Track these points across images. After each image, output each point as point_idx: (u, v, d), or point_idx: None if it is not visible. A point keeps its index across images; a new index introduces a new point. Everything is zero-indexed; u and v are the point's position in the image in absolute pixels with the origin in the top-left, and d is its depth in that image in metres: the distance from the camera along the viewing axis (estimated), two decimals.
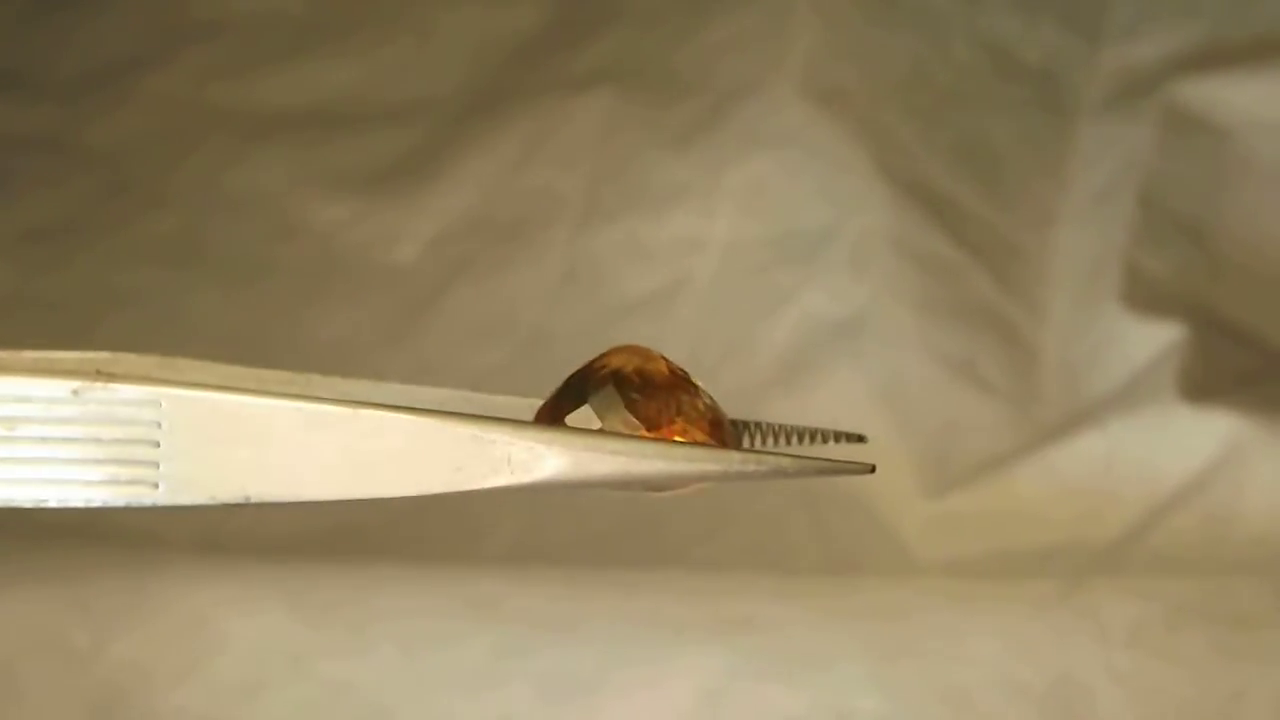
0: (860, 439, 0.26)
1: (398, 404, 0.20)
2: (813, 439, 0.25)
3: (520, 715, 0.49)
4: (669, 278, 0.59)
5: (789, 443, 0.25)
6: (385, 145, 0.63)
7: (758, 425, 0.25)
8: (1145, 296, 0.57)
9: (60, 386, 0.18)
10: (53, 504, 0.19)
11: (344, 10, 0.67)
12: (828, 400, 0.56)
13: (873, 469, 0.21)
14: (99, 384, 0.18)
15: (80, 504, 0.19)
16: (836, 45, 0.62)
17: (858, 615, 0.50)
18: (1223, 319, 0.56)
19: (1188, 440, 0.53)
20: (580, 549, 0.51)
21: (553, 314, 0.59)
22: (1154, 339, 0.55)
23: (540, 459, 0.19)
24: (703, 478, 0.21)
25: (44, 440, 0.19)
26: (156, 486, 0.19)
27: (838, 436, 0.25)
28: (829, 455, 0.22)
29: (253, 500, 0.19)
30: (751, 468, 0.20)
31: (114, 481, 0.19)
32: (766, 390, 0.56)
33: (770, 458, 0.21)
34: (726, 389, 0.53)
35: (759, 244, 0.59)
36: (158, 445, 0.19)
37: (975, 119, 0.62)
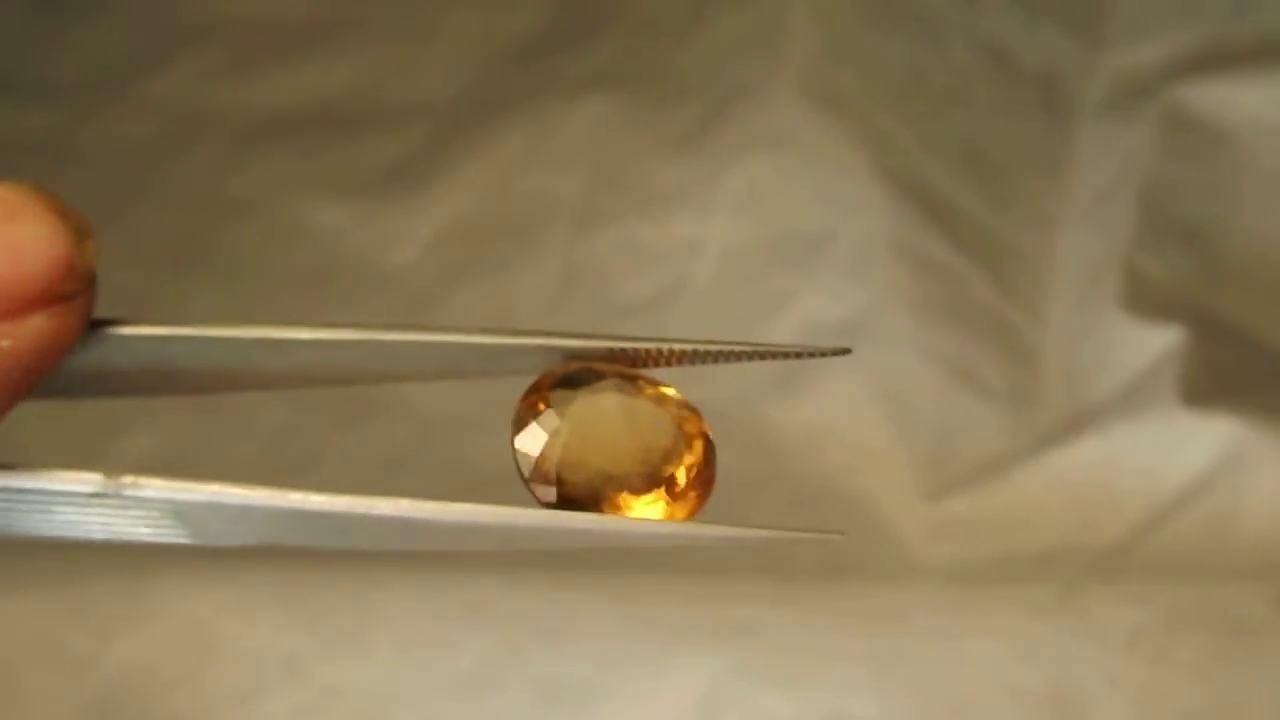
0: (846, 351, 0.24)
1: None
2: (797, 356, 0.24)
3: None
4: (667, 280, 0.59)
5: (763, 359, 0.24)
6: (385, 148, 0.63)
7: (728, 344, 0.24)
8: (1145, 300, 0.56)
9: (84, 484, 0.19)
10: (99, 537, 0.20)
11: (343, 13, 0.67)
12: (826, 403, 0.56)
13: (843, 534, 0.21)
14: (122, 483, 0.20)
15: (125, 540, 0.20)
16: (835, 48, 0.62)
17: (856, 619, 0.50)
18: (1223, 323, 0.56)
19: (1187, 445, 0.53)
20: (576, 553, 0.51)
21: (551, 316, 0.59)
22: (1154, 343, 0.55)
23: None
24: (670, 545, 0.21)
25: (71, 522, 0.20)
26: (188, 539, 0.20)
27: (822, 352, 0.23)
28: (809, 358, 0.22)
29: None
30: (716, 533, 0.21)
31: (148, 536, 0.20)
32: (764, 393, 0.56)
33: (740, 530, 0.21)
34: (724, 391, 0.53)
35: (757, 247, 0.59)
36: (181, 528, 0.20)
37: (975, 122, 0.61)
